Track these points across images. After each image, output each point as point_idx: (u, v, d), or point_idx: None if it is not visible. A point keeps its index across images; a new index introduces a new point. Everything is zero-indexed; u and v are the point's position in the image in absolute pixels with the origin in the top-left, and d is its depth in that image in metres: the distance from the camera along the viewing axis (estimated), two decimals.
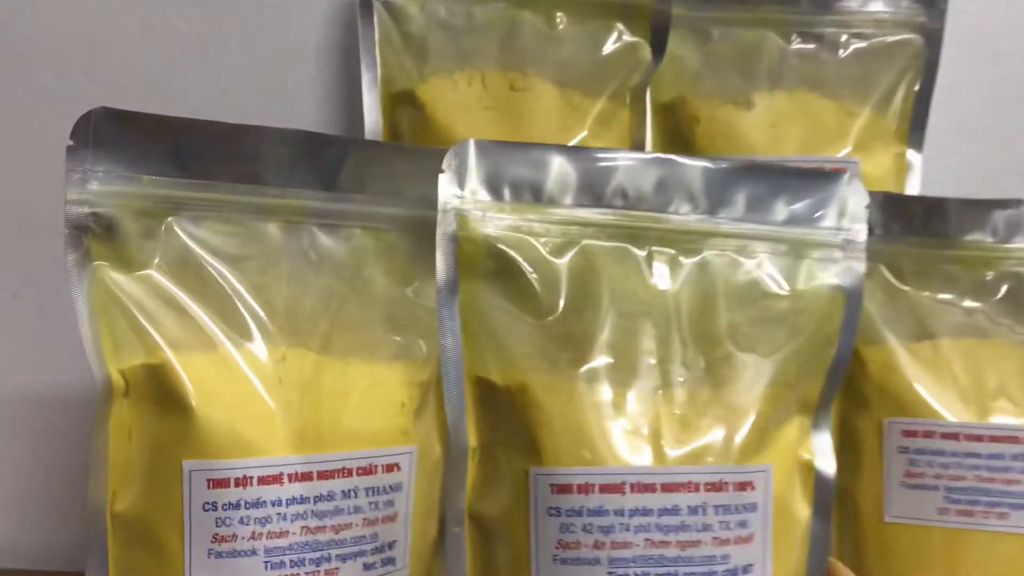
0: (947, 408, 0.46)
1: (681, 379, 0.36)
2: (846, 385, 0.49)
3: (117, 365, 0.34)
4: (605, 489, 0.34)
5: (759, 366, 0.36)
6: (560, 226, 0.36)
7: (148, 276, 0.35)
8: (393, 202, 0.39)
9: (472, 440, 0.36)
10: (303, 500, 0.35)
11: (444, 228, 0.35)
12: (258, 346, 0.36)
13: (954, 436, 0.46)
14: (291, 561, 0.35)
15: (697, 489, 0.34)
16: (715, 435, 0.35)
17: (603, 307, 0.36)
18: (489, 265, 0.36)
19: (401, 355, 0.39)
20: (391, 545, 0.37)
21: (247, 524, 0.34)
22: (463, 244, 0.36)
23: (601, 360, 0.36)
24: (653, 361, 0.36)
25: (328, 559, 0.35)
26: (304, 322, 0.37)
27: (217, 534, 0.34)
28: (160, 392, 0.34)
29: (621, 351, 0.36)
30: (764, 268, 0.37)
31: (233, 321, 0.35)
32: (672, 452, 0.35)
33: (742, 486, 0.35)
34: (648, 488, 0.34)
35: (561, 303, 0.36)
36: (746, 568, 0.35)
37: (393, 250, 0.39)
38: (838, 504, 0.49)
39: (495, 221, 0.36)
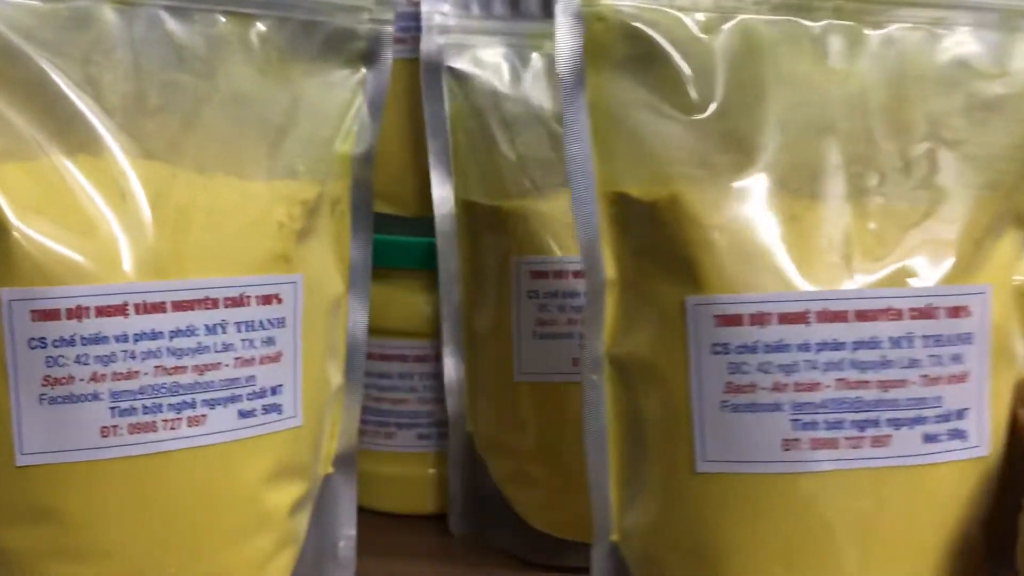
0: None
1: (875, 184, 0.29)
2: None
3: None
4: (785, 319, 0.27)
5: (970, 165, 0.29)
6: None
7: None
8: None
9: (609, 271, 0.30)
10: (156, 335, 0.29)
11: (565, 4, 0.28)
12: (91, 153, 0.29)
13: None
14: (144, 407, 0.29)
15: (900, 316, 0.28)
16: (920, 251, 0.28)
17: (771, 97, 0.29)
18: (625, 50, 0.29)
19: (278, 169, 0.32)
20: (275, 390, 0.32)
21: (85, 363, 0.28)
22: (591, 23, 0.29)
23: (772, 163, 0.28)
24: (838, 162, 0.29)
25: (191, 404, 0.30)
26: (151, 126, 0.30)
27: (49, 376, 0.28)
28: None
29: (797, 151, 0.29)
30: (967, 44, 0.30)
31: (56, 123, 0.29)
32: (867, 273, 0.28)
33: (955, 312, 0.28)
34: (838, 316, 0.27)
35: (719, 93, 0.29)
36: (960, 413, 0.28)
37: (266, 42, 0.32)
38: None
39: None
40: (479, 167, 0.40)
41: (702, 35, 0.29)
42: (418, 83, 0.40)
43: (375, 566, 0.39)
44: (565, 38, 0.29)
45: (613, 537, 0.31)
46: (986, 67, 0.30)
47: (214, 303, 0.30)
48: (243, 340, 0.31)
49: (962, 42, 0.30)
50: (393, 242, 0.42)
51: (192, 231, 0.30)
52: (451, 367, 0.41)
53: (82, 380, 0.28)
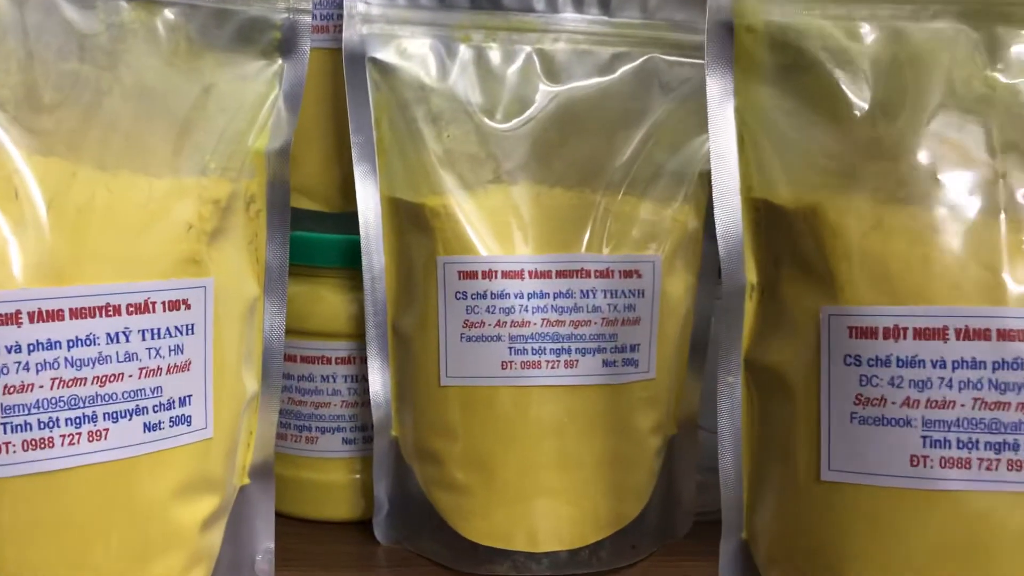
0: None
1: None
2: None
3: None
4: (921, 335, 0.27)
5: None
6: (866, 6, 0.28)
7: None
8: None
9: (750, 275, 0.30)
10: (52, 345, 0.27)
11: (716, 16, 0.28)
12: None
13: None
14: (40, 421, 0.27)
15: None
16: None
17: (924, 106, 0.28)
18: (774, 59, 0.29)
19: (187, 166, 0.31)
20: (183, 400, 0.30)
21: None
22: (740, 34, 0.29)
23: (920, 174, 0.28)
24: (992, 175, 0.28)
25: (92, 418, 0.28)
26: (48, 120, 0.28)
27: None
28: None
29: (948, 162, 0.28)
30: None
31: None
32: (1015, 289, 0.27)
33: None
34: (980, 335, 0.27)
35: (869, 102, 0.28)
36: None
37: (174, 31, 0.31)
38: None
39: (780, 3, 0.28)
40: (404, 162, 0.38)
41: (854, 43, 0.29)
42: (342, 74, 0.38)
43: None
44: (714, 48, 0.29)
45: (742, 535, 0.32)
46: None
47: (116, 310, 0.28)
48: (148, 349, 0.29)
49: None
50: (316, 239, 0.41)
51: (92, 233, 0.28)
52: (376, 370, 0.39)
53: None
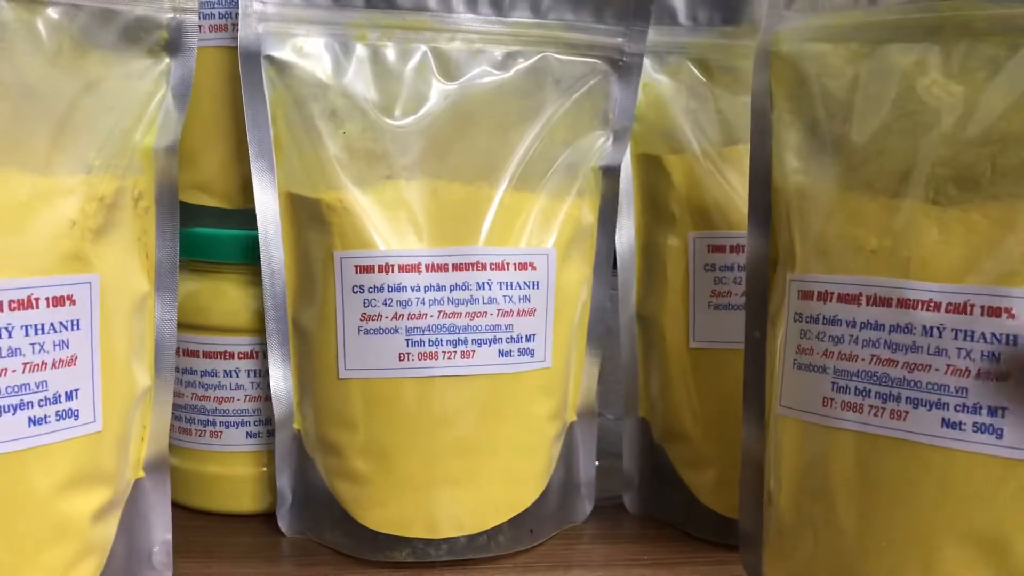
0: None
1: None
2: (651, 199, 0.44)
3: None
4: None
5: None
6: None
7: None
8: None
9: None
10: None
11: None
12: None
13: None
14: None
15: (937, 308, 0.29)
16: None
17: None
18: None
19: (71, 164, 0.31)
20: (70, 395, 0.30)
21: None
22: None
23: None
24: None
25: None
26: None
27: None
28: None
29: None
30: None
31: None
32: None
33: (995, 310, 0.28)
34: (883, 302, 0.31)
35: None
36: None
37: (57, 31, 0.31)
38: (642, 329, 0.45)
39: None
40: (302, 159, 0.39)
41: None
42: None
43: (200, 569, 0.38)
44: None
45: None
46: None
47: None
48: (32, 344, 0.29)
49: None
50: (217, 235, 0.41)
51: None
52: (276, 364, 0.40)
53: None
